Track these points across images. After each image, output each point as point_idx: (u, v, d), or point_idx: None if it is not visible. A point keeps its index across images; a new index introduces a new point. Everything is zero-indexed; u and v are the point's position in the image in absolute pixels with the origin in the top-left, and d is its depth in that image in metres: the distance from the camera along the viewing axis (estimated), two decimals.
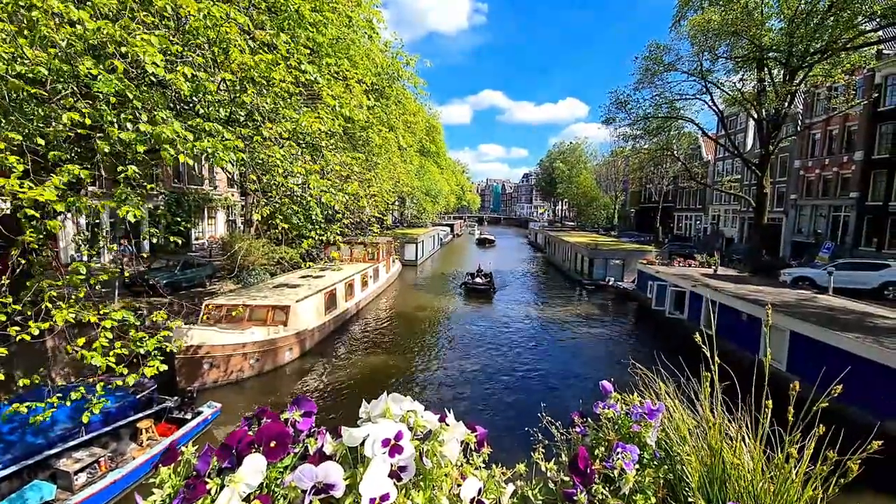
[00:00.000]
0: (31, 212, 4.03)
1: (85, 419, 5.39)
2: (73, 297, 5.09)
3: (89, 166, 5.15)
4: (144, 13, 4.89)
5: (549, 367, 13.93)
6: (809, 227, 31.00)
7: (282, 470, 1.05)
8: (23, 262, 4.50)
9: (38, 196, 3.92)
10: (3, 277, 4.43)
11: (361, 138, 12.19)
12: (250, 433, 1.07)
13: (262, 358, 12.39)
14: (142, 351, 5.25)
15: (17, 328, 4.42)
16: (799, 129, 30.18)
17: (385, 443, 1.02)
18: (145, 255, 13.44)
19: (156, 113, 4.86)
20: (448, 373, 13.18)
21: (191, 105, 6.66)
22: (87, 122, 4.35)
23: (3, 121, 4.41)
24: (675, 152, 29.21)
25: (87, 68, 4.32)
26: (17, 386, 5.01)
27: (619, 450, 1.34)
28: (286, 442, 1.06)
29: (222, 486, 0.96)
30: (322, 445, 1.15)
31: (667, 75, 23.99)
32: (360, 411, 1.24)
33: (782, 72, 20.60)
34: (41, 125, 4.74)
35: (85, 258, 5.28)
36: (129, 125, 4.69)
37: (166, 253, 19.63)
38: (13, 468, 6.30)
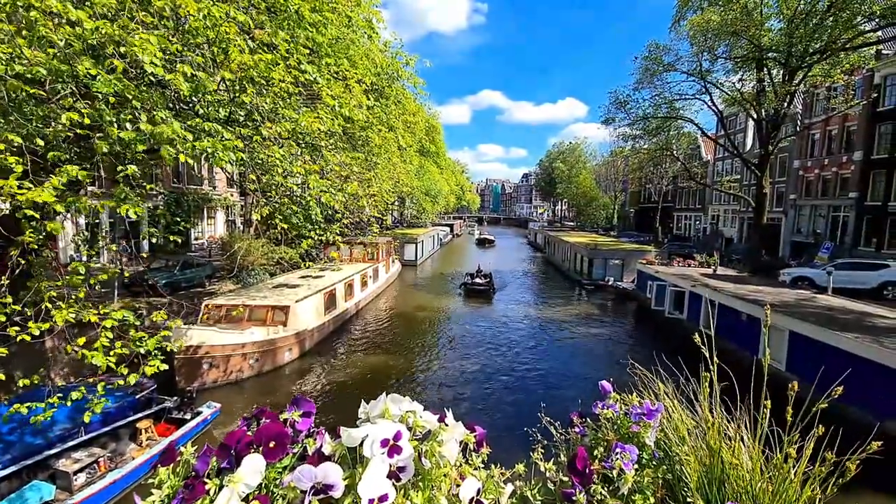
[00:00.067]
0: (30, 212, 4.02)
1: (86, 419, 5.39)
2: (73, 297, 5.09)
3: (88, 166, 5.16)
4: (143, 13, 4.88)
5: (548, 367, 13.93)
6: (809, 227, 31.03)
7: (280, 470, 1.05)
8: (22, 262, 4.49)
9: (36, 198, 3.91)
10: (3, 278, 4.42)
11: (361, 138, 12.19)
12: (249, 433, 1.07)
13: (261, 358, 12.38)
14: (142, 351, 5.25)
15: (17, 328, 4.42)
16: (798, 129, 30.20)
17: (384, 443, 1.02)
18: (145, 255, 13.43)
19: (155, 113, 4.85)
20: (447, 373, 13.18)
21: (190, 105, 6.65)
22: (87, 121, 4.34)
23: (3, 121, 4.40)
24: (675, 152, 29.22)
25: (86, 68, 4.31)
26: (18, 386, 5.01)
27: (617, 450, 1.34)
28: (285, 442, 1.06)
29: (221, 487, 0.96)
30: (321, 446, 1.15)
31: (666, 75, 24.03)
32: (359, 411, 1.24)
33: (781, 72, 20.62)
34: (40, 125, 4.73)
35: (84, 258, 5.27)
36: (128, 125, 4.69)
37: (166, 253, 19.63)
38: (12, 468, 6.29)
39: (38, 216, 4.19)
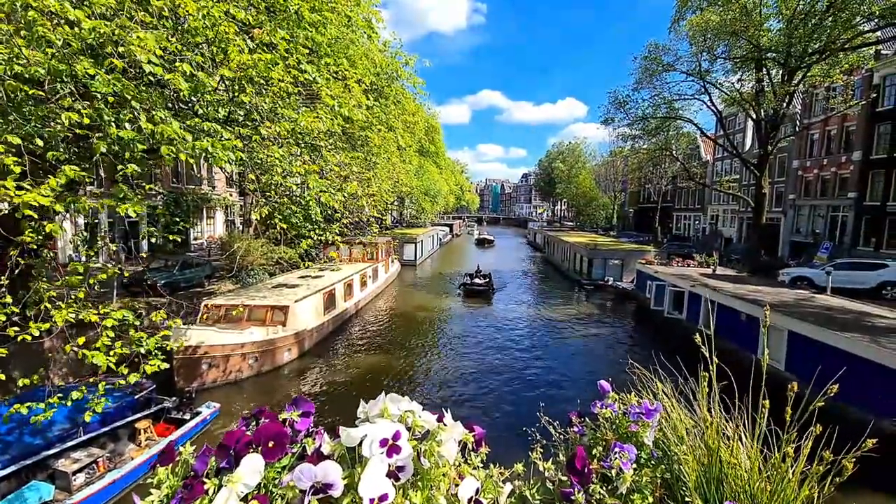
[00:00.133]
0: (28, 212, 4.02)
1: (87, 418, 5.39)
2: (73, 297, 5.09)
3: (87, 166, 5.15)
4: (142, 13, 4.88)
5: (547, 366, 13.94)
6: (808, 227, 31.06)
7: (280, 470, 1.05)
8: (22, 262, 4.49)
9: (32, 201, 3.89)
10: (3, 278, 4.42)
11: (360, 138, 12.19)
12: (248, 433, 1.07)
13: (260, 358, 12.38)
14: (142, 350, 5.25)
15: (17, 328, 4.42)
16: (797, 129, 30.24)
17: (383, 443, 1.03)
18: (144, 255, 13.42)
19: (154, 113, 4.85)
20: (446, 373, 13.18)
21: (189, 105, 6.65)
22: (86, 121, 4.34)
23: (2, 121, 4.40)
24: (674, 152, 29.22)
25: (85, 68, 4.31)
26: (17, 387, 5.00)
27: (616, 449, 1.34)
28: (284, 442, 1.06)
29: (220, 487, 0.97)
30: (320, 445, 1.15)
31: (665, 75, 24.05)
32: (358, 411, 1.24)
33: (781, 72, 20.64)
34: (39, 125, 4.73)
35: (83, 258, 5.26)
36: (127, 125, 4.68)
37: (165, 253, 19.62)
38: (11, 468, 6.29)
39: (36, 216, 4.19)
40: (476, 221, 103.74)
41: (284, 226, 8.05)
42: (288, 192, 8.38)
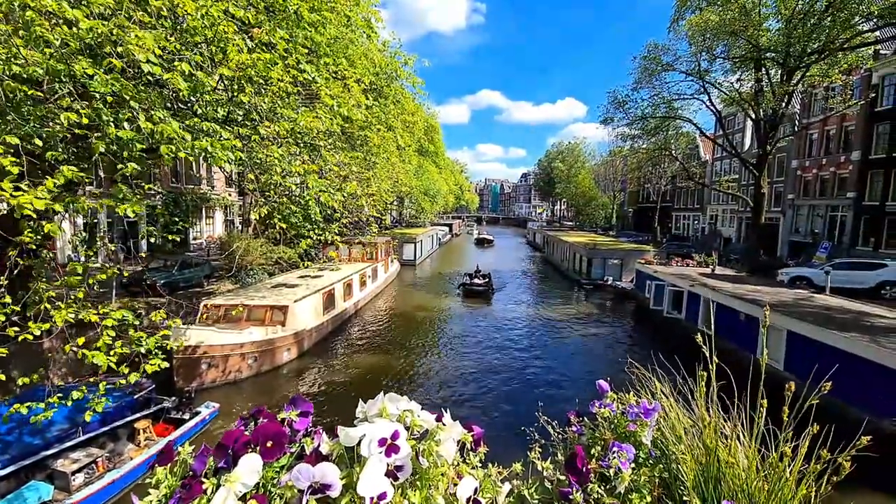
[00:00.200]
0: (26, 211, 4.01)
1: (87, 418, 5.38)
2: (72, 297, 5.08)
3: (86, 166, 5.15)
4: (141, 12, 4.87)
5: (546, 366, 13.95)
6: (807, 226, 31.10)
7: (278, 470, 1.06)
8: (21, 262, 4.48)
9: (28, 204, 3.86)
10: (2, 278, 4.41)
11: (360, 138, 12.18)
12: (247, 433, 1.07)
13: (260, 358, 12.38)
14: (142, 350, 5.24)
15: (16, 329, 4.41)
16: (796, 129, 30.27)
17: (382, 442, 1.03)
18: (143, 255, 13.41)
19: (153, 113, 4.85)
20: (445, 373, 13.19)
21: (188, 105, 6.64)
22: (84, 121, 4.34)
23: (0, 122, 4.39)
24: (673, 152, 29.26)
25: (83, 68, 4.30)
26: (17, 386, 5.00)
27: (615, 449, 1.34)
28: (282, 442, 1.06)
29: (218, 486, 0.97)
30: (318, 445, 1.15)
31: (665, 75, 24.08)
32: (356, 411, 1.24)
33: (780, 72, 20.67)
34: (37, 125, 4.72)
35: (82, 258, 5.26)
36: (126, 124, 4.68)
37: (164, 253, 19.60)
38: (11, 468, 6.28)
39: (35, 216, 4.18)
40: (475, 221, 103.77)
41: (284, 225, 8.04)
42: (287, 192, 8.37)
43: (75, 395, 5.27)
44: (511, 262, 40.00)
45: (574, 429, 1.67)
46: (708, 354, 1.58)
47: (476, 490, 1.14)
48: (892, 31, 20.72)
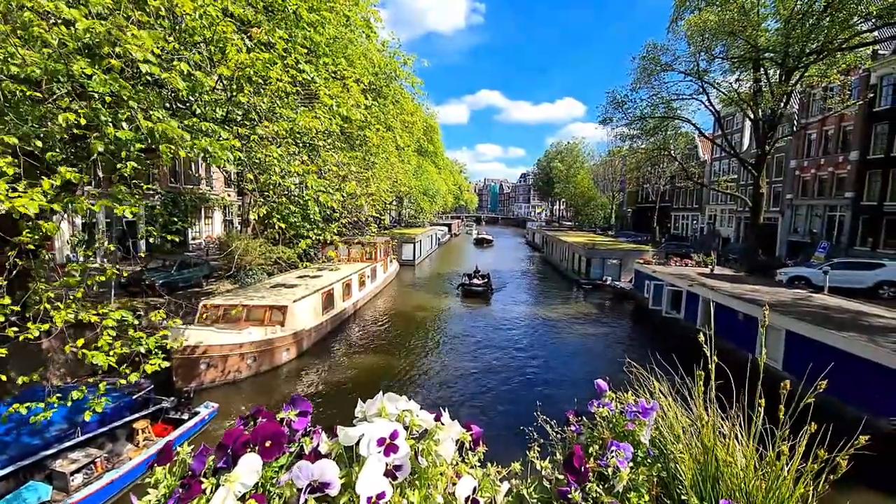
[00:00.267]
0: (25, 211, 4.00)
1: (87, 417, 5.37)
2: (71, 297, 5.08)
3: (85, 167, 5.13)
4: (139, 12, 4.87)
5: (545, 366, 13.96)
6: (805, 226, 31.16)
7: (277, 469, 1.06)
8: (20, 263, 4.48)
9: (22, 207, 3.84)
10: (0, 279, 4.40)
11: (359, 138, 12.19)
12: (246, 433, 1.08)
13: (259, 358, 12.37)
14: (142, 349, 5.24)
15: (16, 329, 4.40)
16: (795, 129, 30.33)
17: (380, 442, 1.03)
18: (142, 255, 13.39)
19: (152, 112, 4.84)
20: (444, 372, 13.19)
21: (187, 104, 6.64)
22: (83, 122, 4.33)
23: None
24: (672, 152, 29.29)
25: (82, 68, 4.30)
26: (16, 387, 4.99)
27: (613, 448, 1.35)
28: (282, 441, 1.06)
29: (217, 486, 0.97)
30: (318, 444, 1.15)
31: (664, 75, 24.12)
32: (355, 410, 1.24)
33: (778, 72, 20.70)
34: (36, 125, 4.72)
35: (81, 259, 5.25)
36: (124, 124, 4.67)
37: (163, 253, 19.57)
38: (9, 469, 6.27)
39: (33, 216, 4.17)
40: (475, 221, 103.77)
41: (283, 225, 8.03)
42: (286, 192, 8.37)
43: (75, 395, 5.26)
44: (510, 262, 40.01)
45: (573, 428, 1.67)
46: (708, 354, 1.58)
47: (475, 489, 1.15)
48: (891, 31, 20.78)
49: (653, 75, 23.95)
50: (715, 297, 14.16)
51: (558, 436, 1.73)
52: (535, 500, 1.37)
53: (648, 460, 1.47)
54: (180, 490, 0.99)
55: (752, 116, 22.47)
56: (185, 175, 26.45)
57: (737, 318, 12.85)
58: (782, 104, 20.51)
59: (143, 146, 4.82)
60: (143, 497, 1.02)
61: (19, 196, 3.91)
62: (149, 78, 5.22)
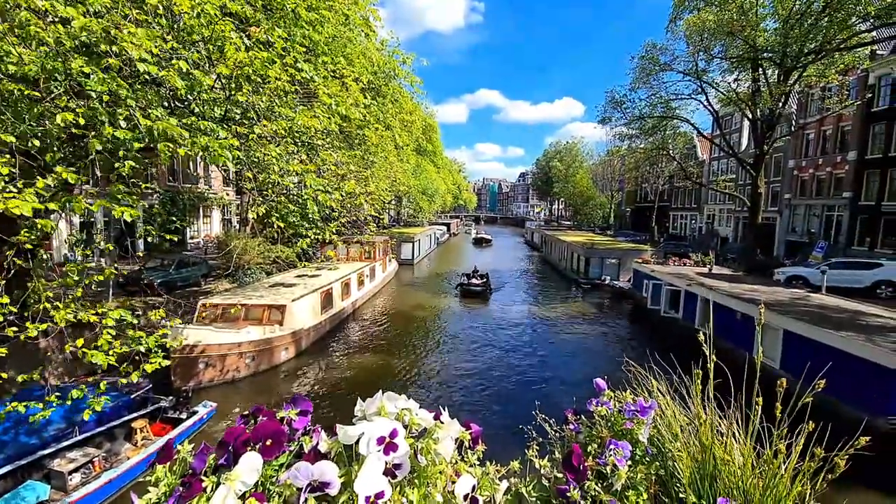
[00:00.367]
0: (17, 212, 3.98)
1: (86, 416, 5.37)
2: (70, 296, 5.07)
3: (83, 166, 5.12)
4: (137, 11, 4.86)
5: (544, 365, 13.98)
6: (803, 226, 31.24)
7: (277, 468, 1.06)
8: (18, 262, 4.47)
9: (15, 208, 3.82)
10: None
11: (358, 137, 12.17)
12: (247, 431, 1.08)
13: (257, 357, 12.35)
14: (142, 349, 5.23)
15: (15, 328, 4.40)
16: (793, 129, 30.38)
17: (380, 441, 1.03)
18: (141, 255, 13.37)
19: (150, 111, 4.83)
20: (443, 371, 13.20)
21: (186, 103, 6.62)
22: (81, 122, 4.32)
23: None
24: (671, 152, 29.34)
25: (79, 66, 4.28)
26: (18, 385, 4.99)
27: (611, 446, 1.35)
28: (282, 440, 1.06)
29: (219, 484, 0.97)
30: (317, 443, 1.15)
31: (662, 75, 24.15)
32: (355, 409, 1.24)
33: (777, 72, 20.74)
34: (33, 124, 4.70)
35: (79, 258, 5.24)
36: (123, 123, 4.66)
37: (161, 252, 19.52)
38: (7, 468, 6.26)
39: (31, 215, 4.16)
40: (474, 220, 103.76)
41: (281, 224, 8.02)
42: (285, 191, 8.36)
43: (75, 394, 5.26)
44: (509, 262, 40.03)
45: (571, 427, 1.68)
46: (707, 353, 1.59)
47: (474, 488, 1.15)
48: (889, 31, 20.82)
49: (651, 75, 23.98)
50: (713, 297, 14.19)
51: (557, 434, 1.74)
52: (534, 499, 1.38)
53: (647, 459, 1.48)
54: (181, 488, 0.99)
55: (750, 116, 22.51)
56: (184, 174, 26.37)
57: (735, 317, 12.88)
58: (781, 104, 20.55)
59: (141, 145, 4.81)
60: (143, 495, 1.02)
61: (14, 197, 3.89)
62: (147, 77, 5.20)
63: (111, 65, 4.38)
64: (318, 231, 9.51)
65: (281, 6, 7.13)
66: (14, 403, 4.90)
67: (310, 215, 8.55)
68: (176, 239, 6.73)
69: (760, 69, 21.32)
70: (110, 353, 4.92)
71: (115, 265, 5.37)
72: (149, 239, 6.53)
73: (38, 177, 4.22)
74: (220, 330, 12.14)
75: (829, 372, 2.09)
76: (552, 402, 10.77)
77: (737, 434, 1.47)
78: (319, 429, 1.20)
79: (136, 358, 5.28)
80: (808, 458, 1.31)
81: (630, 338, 17.60)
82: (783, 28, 18.70)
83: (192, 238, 26.98)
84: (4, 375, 4.72)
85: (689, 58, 22.61)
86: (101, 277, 5.11)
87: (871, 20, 17.38)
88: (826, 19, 17.50)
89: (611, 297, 24.38)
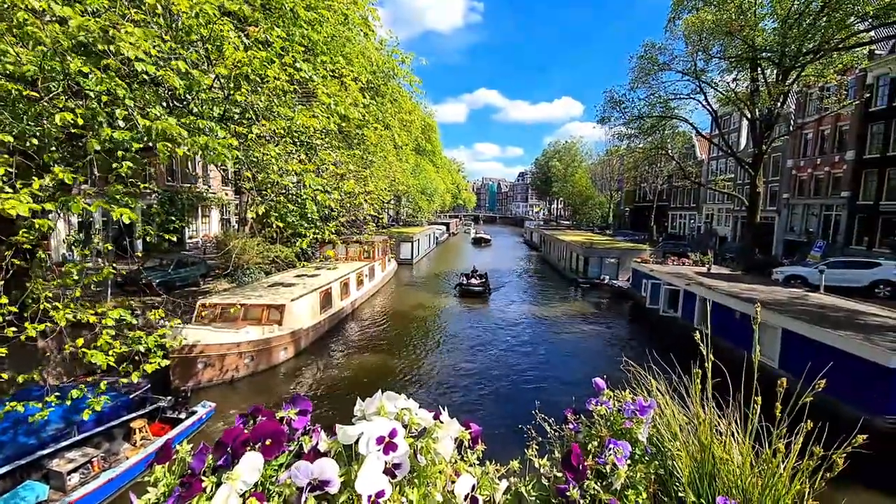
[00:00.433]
0: (13, 213, 3.96)
1: (85, 416, 5.36)
2: (69, 296, 5.06)
3: (81, 165, 5.11)
4: (135, 10, 4.84)
5: (543, 364, 13.99)
6: (801, 225, 31.29)
7: (277, 468, 1.06)
8: (17, 262, 4.45)
9: (11, 209, 3.81)
10: None
11: (357, 136, 12.16)
12: (246, 431, 1.08)
13: (256, 357, 12.34)
14: (141, 348, 5.23)
15: (14, 329, 4.39)
16: (791, 128, 30.44)
17: (379, 440, 1.03)
18: (139, 255, 13.34)
19: (149, 111, 4.82)
20: (443, 371, 13.20)
21: (184, 103, 6.61)
22: (80, 122, 4.30)
23: None
24: (670, 151, 29.36)
25: (78, 66, 4.27)
26: (17, 385, 4.98)
27: (611, 446, 1.36)
28: (281, 440, 1.06)
29: (218, 484, 0.97)
30: (317, 443, 1.15)
31: (661, 75, 24.17)
32: (354, 409, 1.24)
33: (775, 72, 20.77)
34: (31, 124, 4.69)
35: (77, 258, 5.23)
36: (121, 123, 4.65)
37: (160, 252, 19.48)
38: (6, 468, 6.25)
39: (29, 215, 4.15)
40: (473, 220, 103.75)
41: (280, 224, 8.01)
42: (284, 191, 8.35)
43: (74, 393, 5.25)
44: (508, 262, 40.04)
45: (571, 426, 1.68)
46: (705, 352, 1.59)
47: (474, 487, 1.15)
48: (887, 31, 20.86)
49: (650, 75, 24.00)
50: (712, 296, 14.21)
51: (556, 434, 1.74)
52: (533, 498, 1.38)
53: (646, 458, 1.48)
54: (180, 488, 0.99)
55: (749, 116, 22.53)
56: (183, 174, 26.32)
57: (733, 316, 12.89)
58: (779, 104, 20.58)
59: (140, 145, 4.80)
60: (142, 496, 1.02)
61: (10, 198, 3.88)
62: (145, 76, 5.19)
63: (109, 64, 4.37)
64: (317, 231, 9.51)
65: (280, 6, 7.12)
66: (13, 403, 4.89)
67: (309, 215, 8.55)
68: (175, 239, 6.73)
69: (759, 69, 21.35)
70: (110, 353, 4.91)
71: (114, 265, 5.36)
72: (147, 239, 6.52)
73: (35, 177, 4.21)
74: (219, 330, 12.13)
75: (828, 371, 2.10)
76: (551, 402, 10.78)
77: (736, 433, 1.47)
78: (319, 428, 1.20)
79: (136, 358, 5.27)
80: (806, 457, 1.31)
81: (629, 337, 17.62)
82: (782, 28, 18.73)
83: (190, 238, 26.93)
84: (4, 375, 4.72)
85: (688, 57, 22.64)
86: (100, 277, 5.10)
87: (870, 20, 17.40)
88: (824, 19, 17.52)
89: (610, 296, 24.41)
